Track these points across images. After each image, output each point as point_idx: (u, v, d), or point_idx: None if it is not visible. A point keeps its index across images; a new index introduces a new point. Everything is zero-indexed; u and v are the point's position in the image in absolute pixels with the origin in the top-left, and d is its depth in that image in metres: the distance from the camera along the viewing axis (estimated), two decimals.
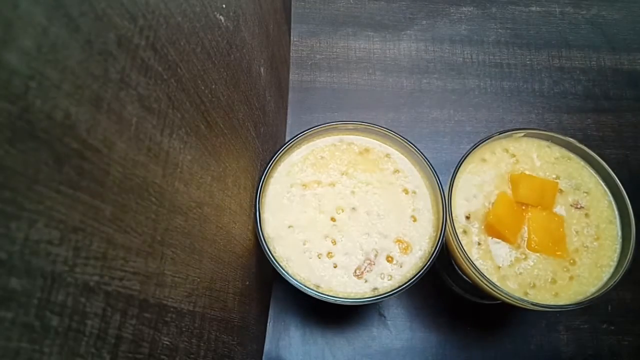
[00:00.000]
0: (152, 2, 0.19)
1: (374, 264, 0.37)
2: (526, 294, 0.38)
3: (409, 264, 0.37)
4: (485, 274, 0.37)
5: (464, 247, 0.38)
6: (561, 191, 0.41)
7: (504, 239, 0.39)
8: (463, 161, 0.41)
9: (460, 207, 0.41)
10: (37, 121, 0.13)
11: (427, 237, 0.38)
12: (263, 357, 0.47)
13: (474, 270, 0.37)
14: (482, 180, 0.42)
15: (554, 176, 0.42)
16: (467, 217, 0.40)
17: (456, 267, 0.45)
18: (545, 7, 0.67)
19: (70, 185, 0.15)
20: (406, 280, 0.36)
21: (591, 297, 0.37)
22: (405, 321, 0.50)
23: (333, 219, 0.39)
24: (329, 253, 0.38)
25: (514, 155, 0.43)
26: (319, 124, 0.41)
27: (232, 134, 0.32)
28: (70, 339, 0.15)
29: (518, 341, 0.50)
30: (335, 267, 0.37)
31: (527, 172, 0.42)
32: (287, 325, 0.49)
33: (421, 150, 0.40)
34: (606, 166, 0.41)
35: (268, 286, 0.50)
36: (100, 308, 0.17)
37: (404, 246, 0.38)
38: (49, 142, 0.13)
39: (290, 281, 0.35)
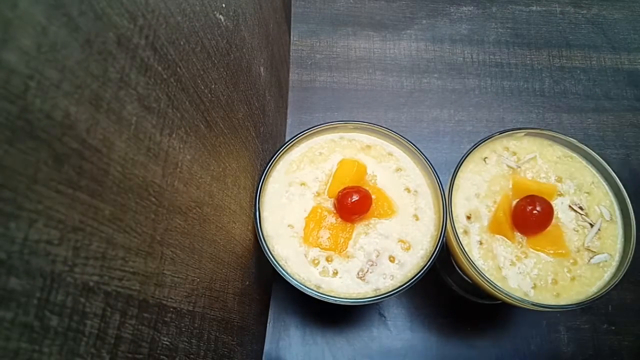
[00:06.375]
0: (152, 2, 0.19)
1: (376, 265, 0.37)
2: (527, 294, 0.38)
3: (411, 263, 0.37)
4: (486, 274, 0.37)
5: (465, 247, 0.38)
6: (562, 193, 0.41)
7: (505, 237, 0.39)
8: (463, 161, 0.41)
9: (460, 206, 0.41)
10: (37, 121, 0.13)
11: (428, 236, 0.38)
12: (263, 357, 0.47)
13: (474, 271, 0.37)
14: (482, 180, 0.42)
15: (555, 176, 0.42)
16: (468, 217, 0.40)
17: (457, 267, 0.45)
18: (545, 6, 0.67)
19: (69, 185, 0.15)
20: (407, 280, 0.35)
21: (592, 297, 0.37)
22: (405, 321, 0.50)
23: None
24: (328, 257, 0.37)
25: (514, 154, 0.43)
26: (319, 123, 0.41)
27: (232, 133, 0.32)
28: (70, 339, 0.15)
29: (518, 341, 0.50)
30: (336, 272, 0.37)
31: (528, 173, 0.42)
32: (287, 325, 0.49)
33: (421, 150, 0.40)
34: (607, 166, 0.41)
35: (268, 286, 0.50)
36: (100, 308, 0.17)
37: (406, 246, 0.38)
38: (48, 142, 0.13)
39: (290, 281, 0.35)
